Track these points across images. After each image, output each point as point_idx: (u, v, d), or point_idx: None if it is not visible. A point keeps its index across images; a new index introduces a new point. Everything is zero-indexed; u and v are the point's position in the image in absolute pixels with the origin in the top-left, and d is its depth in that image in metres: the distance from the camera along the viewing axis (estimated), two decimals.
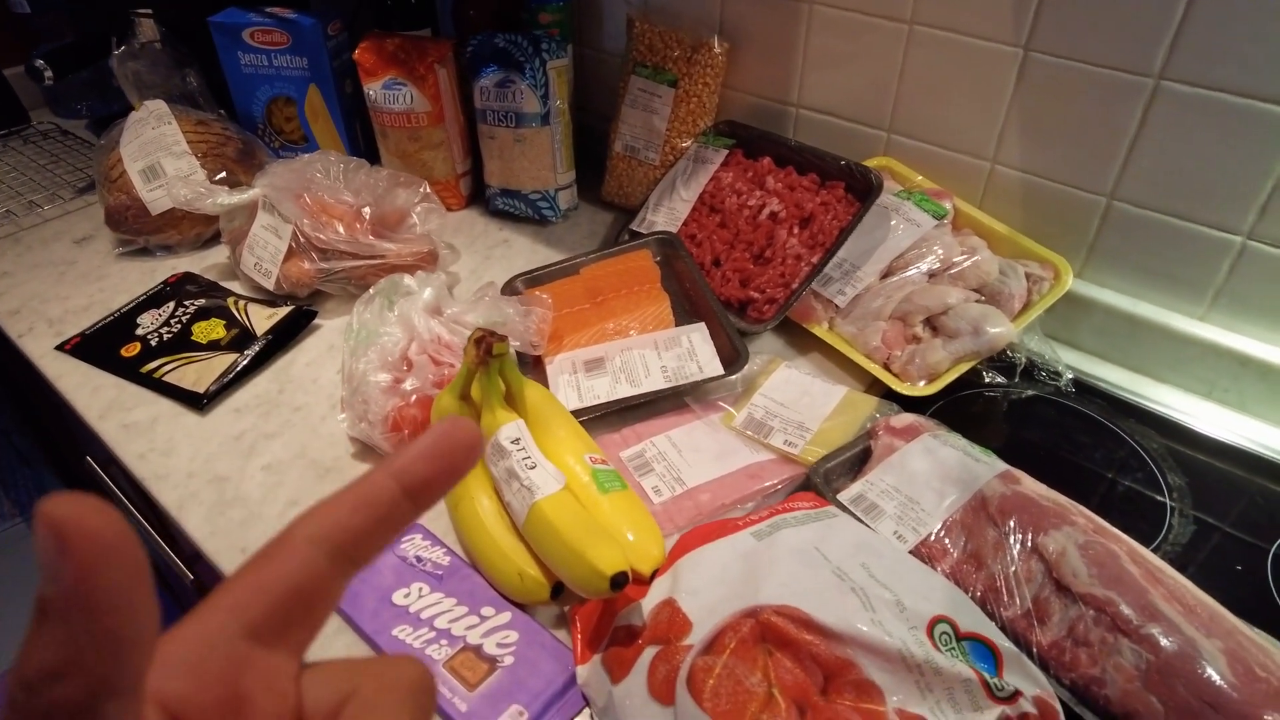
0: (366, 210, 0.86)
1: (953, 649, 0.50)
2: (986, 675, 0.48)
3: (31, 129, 1.28)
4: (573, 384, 0.74)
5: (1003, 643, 0.51)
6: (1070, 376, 0.78)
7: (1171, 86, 0.69)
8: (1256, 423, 0.74)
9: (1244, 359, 0.73)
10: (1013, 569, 0.57)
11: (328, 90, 1.05)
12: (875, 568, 0.53)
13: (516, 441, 0.59)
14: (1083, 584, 0.54)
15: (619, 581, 0.50)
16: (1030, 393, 0.78)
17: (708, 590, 0.52)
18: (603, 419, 0.73)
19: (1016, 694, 0.48)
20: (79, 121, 1.32)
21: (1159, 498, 0.68)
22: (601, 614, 0.55)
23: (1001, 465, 0.63)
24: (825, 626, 0.48)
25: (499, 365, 0.60)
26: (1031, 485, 0.61)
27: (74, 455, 0.80)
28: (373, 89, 0.97)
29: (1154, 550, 0.64)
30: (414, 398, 0.67)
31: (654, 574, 0.56)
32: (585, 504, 0.59)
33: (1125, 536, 0.58)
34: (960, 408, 0.76)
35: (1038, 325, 0.78)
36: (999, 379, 0.79)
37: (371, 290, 0.76)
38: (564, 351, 0.78)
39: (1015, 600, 0.56)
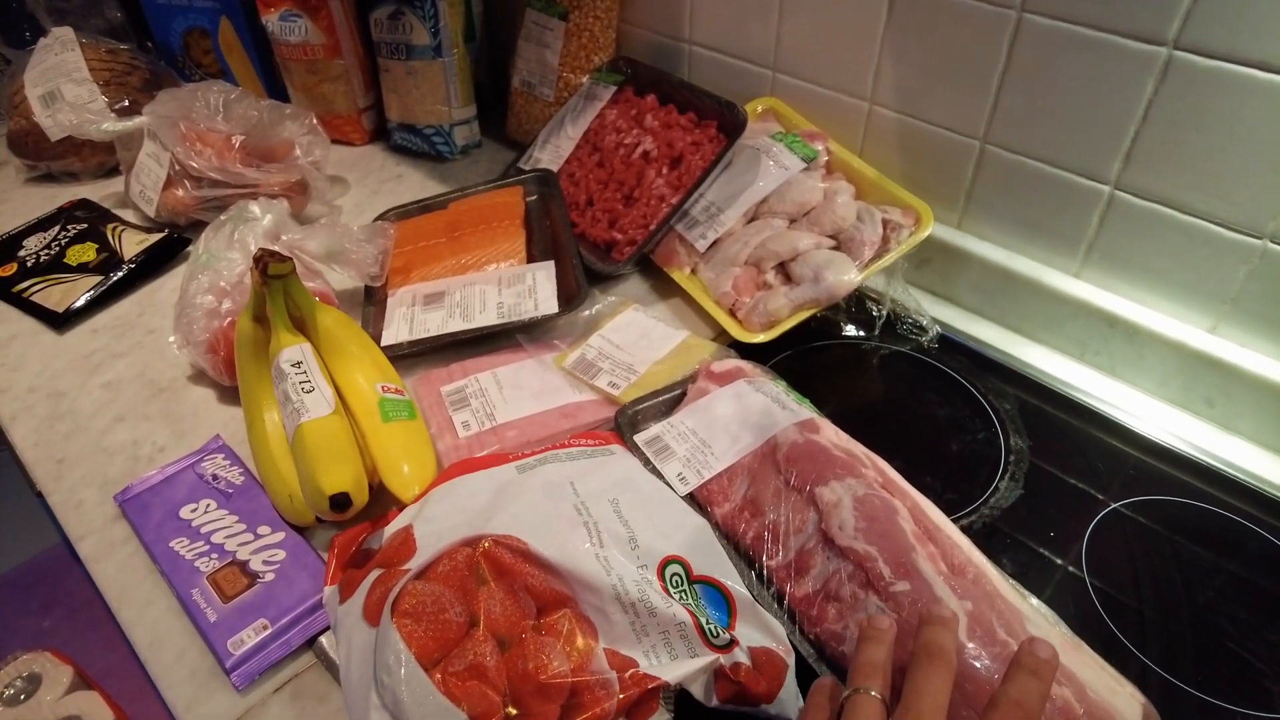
0: (237, 139, 0.85)
1: (683, 591, 0.48)
2: (703, 620, 0.46)
3: None
4: (407, 317, 0.73)
5: (736, 588, 0.49)
6: (936, 332, 0.74)
7: (1033, 19, 0.63)
8: (1123, 386, 0.70)
9: (1112, 319, 0.69)
10: (785, 518, 0.54)
11: (239, 22, 1.04)
12: (625, 504, 0.52)
13: (298, 365, 0.58)
14: (846, 537, 0.51)
15: (339, 502, 0.50)
16: (889, 348, 0.75)
17: (444, 518, 0.51)
18: (437, 354, 0.72)
19: (732, 642, 0.46)
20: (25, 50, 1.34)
21: (996, 459, 0.65)
22: (357, 540, 0.55)
23: (807, 413, 0.60)
24: (543, 558, 0.47)
25: (284, 287, 0.59)
26: (830, 435, 0.58)
27: None
28: (270, 20, 0.96)
29: (970, 512, 0.61)
30: (228, 320, 0.67)
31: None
32: (366, 431, 0.59)
33: (914, 492, 0.55)
34: (806, 359, 0.73)
35: (901, 277, 0.74)
36: (857, 332, 0.75)
37: (223, 216, 0.76)
38: (409, 284, 0.77)
39: (780, 550, 0.53)
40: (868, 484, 0.55)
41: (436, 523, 0.51)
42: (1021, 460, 0.64)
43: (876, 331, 0.75)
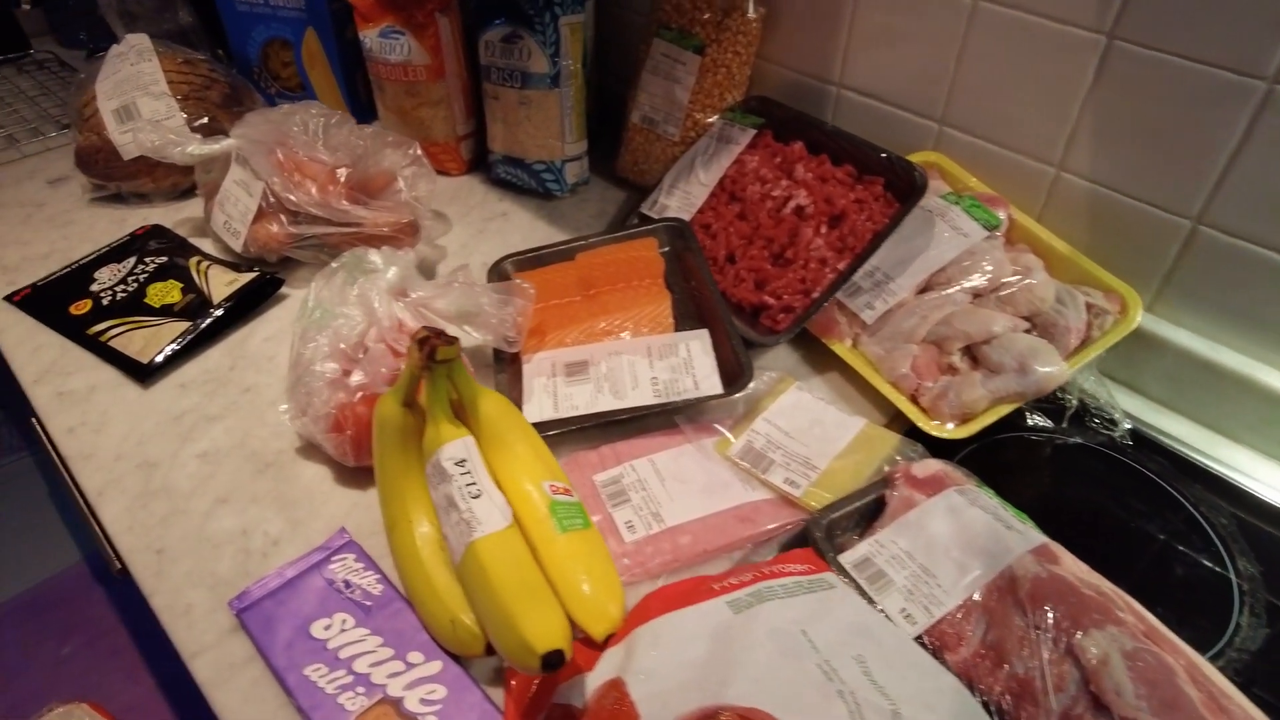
0: (342, 172, 0.77)
1: None
2: None
3: (29, 58, 1.21)
4: (549, 389, 0.65)
5: None
6: (1128, 426, 0.67)
7: None
8: None
9: None
10: (1040, 671, 0.47)
11: (326, 34, 0.96)
12: (873, 662, 0.44)
13: (462, 464, 0.50)
14: (1128, 706, 0.44)
15: (552, 661, 0.41)
16: (1078, 441, 0.67)
17: (665, 674, 0.43)
18: (581, 432, 0.64)
19: None
20: (80, 51, 1.25)
21: (1226, 587, 0.57)
22: (542, 683, 0.47)
23: (1038, 538, 0.52)
24: None
25: (446, 371, 0.51)
26: (1071, 566, 0.51)
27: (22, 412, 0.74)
28: (368, 36, 0.88)
29: (1215, 655, 0.53)
30: (359, 395, 0.58)
31: (609, 639, 0.47)
32: (537, 543, 0.50)
33: (1183, 645, 0.48)
34: (994, 454, 0.65)
35: (1094, 363, 0.67)
36: (1043, 422, 0.68)
37: (335, 263, 0.68)
38: (545, 350, 0.69)
39: (1042, 713, 0.46)
40: (1132, 634, 0.47)
41: (656, 681, 0.43)
42: (1258, 588, 0.57)
43: (1064, 423, 0.67)
